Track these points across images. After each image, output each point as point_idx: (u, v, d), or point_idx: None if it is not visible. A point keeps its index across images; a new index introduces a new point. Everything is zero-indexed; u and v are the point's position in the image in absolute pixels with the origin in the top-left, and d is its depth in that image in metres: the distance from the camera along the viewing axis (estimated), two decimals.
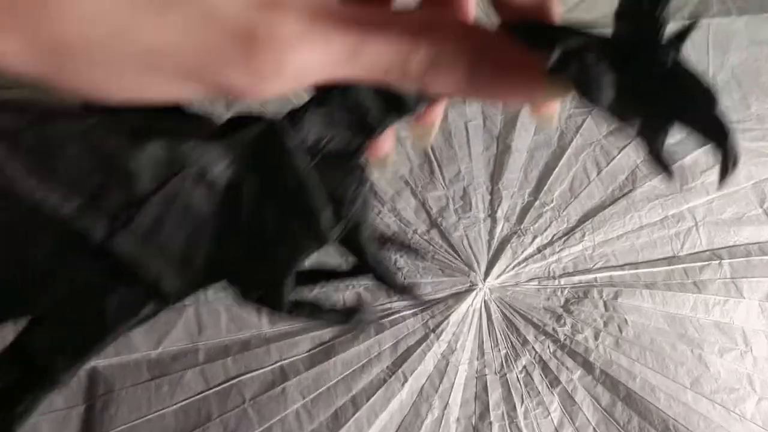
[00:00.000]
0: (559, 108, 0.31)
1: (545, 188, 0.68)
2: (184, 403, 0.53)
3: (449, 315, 0.59)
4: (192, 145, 0.33)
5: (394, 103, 0.34)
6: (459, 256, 0.63)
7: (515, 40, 0.20)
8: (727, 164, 0.19)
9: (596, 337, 0.59)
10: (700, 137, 0.20)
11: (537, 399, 0.56)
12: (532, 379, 0.57)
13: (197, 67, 0.17)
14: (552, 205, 0.68)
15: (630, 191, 0.69)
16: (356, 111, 0.35)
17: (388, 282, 0.48)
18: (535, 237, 0.66)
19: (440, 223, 0.65)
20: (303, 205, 0.35)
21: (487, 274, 0.63)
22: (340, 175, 0.41)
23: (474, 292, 0.61)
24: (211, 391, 0.54)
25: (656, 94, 0.19)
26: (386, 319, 0.58)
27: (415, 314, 0.59)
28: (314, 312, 0.49)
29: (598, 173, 0.70)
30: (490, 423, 0.54)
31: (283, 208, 0.36)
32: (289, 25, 0.16)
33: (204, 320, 0.57)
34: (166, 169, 0.33)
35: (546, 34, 0.20)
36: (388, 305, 0.60)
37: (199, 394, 0.53)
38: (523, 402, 0.56)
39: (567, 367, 0.58)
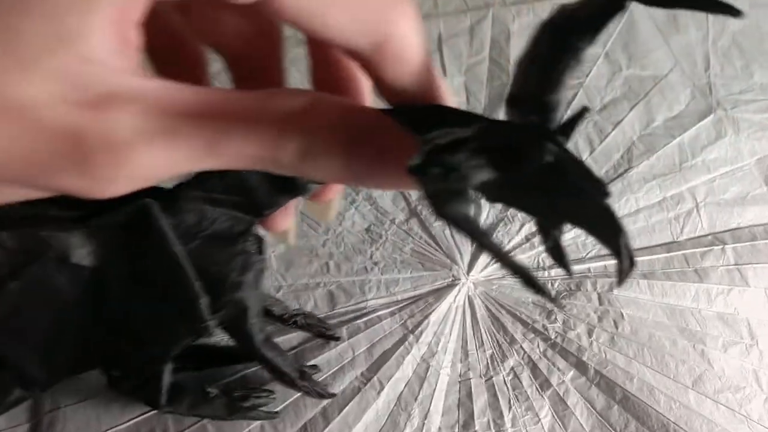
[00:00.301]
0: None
1: None
2: (137, 419, 0.48)
3: (429, 314, 0.54)
4: (50, 231, 0.32)
5: (283, 184, 0.32)
6: (440, 247, 0.58)
7: (397, 126, 0.18)
8: (623, 265, 0.17)
9: (590, 334, 0.54)
10: (592, 236, 0.17)
11: (526, 404, 0.51)
12: (521, 382, 0.52)
13: (29, 174, 0.15)
14: None
15: (626, 171, 0.63)
16: (241, 193, 0.33)
17: (279, 373, 0.42)
18: (522, 224, 0.60)
19: (420, 212, 0.60)
20: (177, 292, 0.34)
21: (470, 266, 0.57)
22: (223, 259, 0.35)
23: (456, 288, 0.56)
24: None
25: (542, 190, 0.17)
26: (360, 320, 0.53)
27: (392, 314, 0.54)
28: (196, 404, 0.43)
29: (591, 152, 0.65)
30: None
31: (154, 295, 0.35)
32: (123, 123, 0.15)
33: None
34: (22, 256, 0.32)
35: (428, 120, 0.18)
36: (363, 304, 0.55)
37: (153, 409, 0.48)
38: (510, 408, 0.51)
39: (558, 368, 0.53)
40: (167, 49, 0.20)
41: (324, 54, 0.22)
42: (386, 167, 0.18)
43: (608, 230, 0.17)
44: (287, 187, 0.32)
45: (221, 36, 0.22)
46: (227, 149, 0.16)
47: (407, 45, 0.18)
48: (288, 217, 0.35)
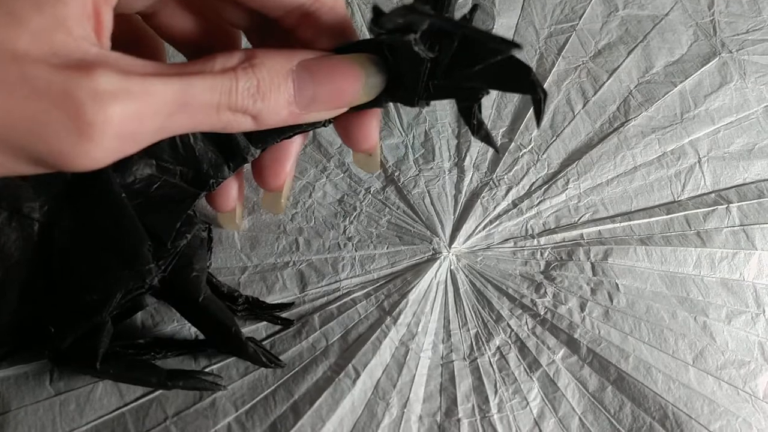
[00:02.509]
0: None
1: (521, 127, 0.56)
2: (95, 422, 0.43)
3: (408, 292, 0.49)
4: (2, 185, 0.32)
5: (227, 151, 0.33)
6: (419, 218, 0.52)
7: (333, 54, 0.23)
8: (538, 97, 0.21)
9: (582, 309, 0.49)
10: (506, 89, 0.23)
11: (513, 387, 0.46)
12: (508, 364, 0.47)
13: (18, 138, 0.16)
14: (530, 147, 0.55)
15: (622, 125, 0.56)
16: (186, 163, 0.34)
17: (222, 329, 0.39)
18: (509, 188, 0.54)
19: (398, 178, 0.53)
20: (119, 239, 0.34)
21: (452, 238, 0.51)
22: (165, 215, 0.35)
23: (437, 262, 0.50)
24: (127, 407, 0.43)
25: (459, 65, 0.22)
26: (333, 306, 0.48)
27: (368, 295, 0.48)
28: (130, 368, 0.40)
29: (585, 104, 0.58)
30: (459, 420, 0.45)
31: (97, 243, 0.34)
32: (105, 80, 0.16)
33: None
34: None
35: (358, 46, 0.23)
36: (336, 285, 0.49)
37: (113, 411, 0.43)
38: (497, 392, 0.46)
39: (548, 347, 0.47)
40: (128, 39, 0.22)
41: (127, 23, 0.25)
42: (327, 86, 0.22)
43: (519, 75, 0.21)
44: (230, 155, 0.33)
45: (179, 33, 0.26)
46: (193, 99, 0.18)
47: None
48: (233, 196, 0.37)
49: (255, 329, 0.46)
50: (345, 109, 0.24)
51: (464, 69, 0.23)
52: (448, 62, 0.23)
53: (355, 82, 0.23)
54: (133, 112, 0.17)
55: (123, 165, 0.34)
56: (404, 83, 0.24)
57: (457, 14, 0.23)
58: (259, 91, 0.20)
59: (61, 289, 0.36)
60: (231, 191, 0.37)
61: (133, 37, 0.27)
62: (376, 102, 0.25)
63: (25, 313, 0.37)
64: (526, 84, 0.22)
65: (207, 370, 0.45)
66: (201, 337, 0.45)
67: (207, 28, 0.27)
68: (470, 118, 0.27)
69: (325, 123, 0.29)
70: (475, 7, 0.24)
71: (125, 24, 0.21)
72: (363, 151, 0.30)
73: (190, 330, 0.46)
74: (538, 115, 0.22)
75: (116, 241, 0.34)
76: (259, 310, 0.46)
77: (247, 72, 0.20)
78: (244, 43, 0.29)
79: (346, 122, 0.28)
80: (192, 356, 0.45)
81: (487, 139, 0.28)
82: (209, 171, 0.34)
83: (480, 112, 0.27)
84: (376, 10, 0.21)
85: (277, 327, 0.46)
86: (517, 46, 0.21)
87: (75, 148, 0.16)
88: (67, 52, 0.16)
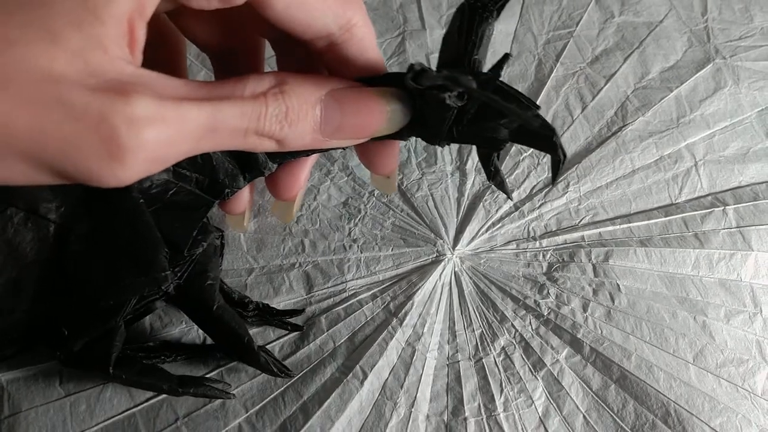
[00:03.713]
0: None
1: None
2: (106, 423, 0.44)
3: (413, 294, 0.49)
4: (19, 186, 0.30)
5: (244, 164, 0.33)
6: (423, 220, 0.53)
7: (360, 85, 0.24)
8: (558, 158, 0.23)
9: (585, 309, 0.50)
10: (530, 145, 0.24)
11: (518, 386, 0.47)
12: (513, 363, 0.48)
13: (48, 156, 0.16)
14: (530, 151, 0.57)
15: (620, 129, 0.58)
16: (204, 171, 0.34)
17: (235, 338, 0.40)
18: (511, 191, 0.55)
19: (401, 182, 0.54)
20: (136, 245, 0.34)
21: (456, 240, 0.52)
22: (182, 223, 0.35)
23: (442, 264, 0.51)
24: (138, 408, 0.44)
25: (487, 117, 0.24)
26: (340, 307, 0.48)
27: (374, 297, 0.49)
28: (142, 373, 0.40)
29: (583, 109, 0.59)
30: (465, 419, 0.46)
31: (113, 249, 0.34)
32: (141, 106, 0.17)
33: None
34: None
35: (386, 79, 0.25)
36: (342, 286, 0.50)
37: (123, 412, 0.44)
38: (502, 391, 0.47)
39: (552, 347, 0.48)
40: (153, 37, 0.21)
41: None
42: (353, 117, 0.22)
43: (543, 134, 0.22)
44: (248, 168, 0.34)
45: (203, 35, 0.26)
46: (223, 124, 0.19)
47: (364, 25, 0.24)
48: (245, 200, 0.37)
49: (263, 330, 0.47)
50: (366, 140, 0.25)
51: (490, 121, 0.24)
52: (475, 112, 0.24)
53: (380, 117, 0.23)
54: (165, 138, 0.17)
55: None
56: (428, 123, 0.25)
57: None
58: (287, 118, 0.20)
59: (75, 292, 0.36)
60: (243, 195, 0.37)
61: (158, 36, 0.26)
62: (399, 135, 0.26)
63: (38, 313, 0.37)
64: (549, 145, 0.23)
65: (216, 372, 0.45)
66: (209, 341, 0.46)
67: (232, 32, 0.27)
68: (488, 165, 0.28)
69: (344, 147, 0.30)
70: (505, 57, 0.25)
71: (151, 23, 0.21)
72: (381, 174, 0.31)
73: (198, 332, 0.46)
74: (555, 175, 0.24)
75: (133, 248, 0.34)
76: (269, 316, 0.46)
77: (277, 98, 0.20)
78: (268, 49, 0.30)
79: (366, 148, 0.29)
80: (201, 360, 0.45)
81: (501, 186, 0.30)
82: (225, 180, 0.34)
83: (498, 159, 0.28)
84: (417, 70, 0.22)
85: (283, 331, 0.47)
86: (538, 107, 0.22)
87: (104, 170, 0.17)
88: (103, 72, 0.17)
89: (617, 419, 0.46)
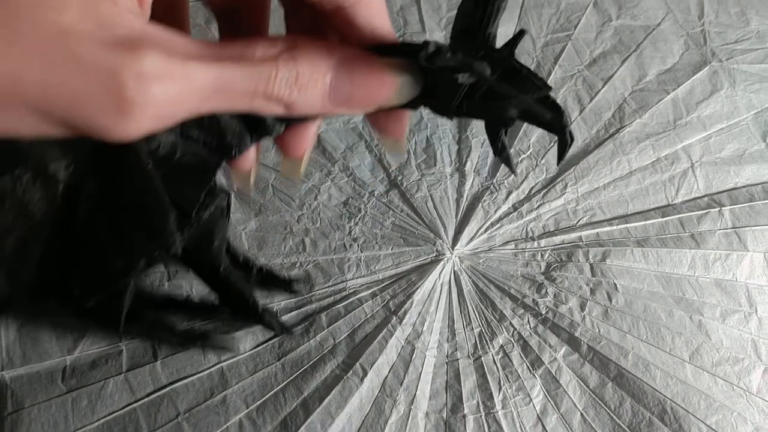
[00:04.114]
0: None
1: (520, 133, 0.58)
2: (107, 418, 0.44)
3: (413, 292, 0.50)
4: (29, 143, 0.31)
5: (253, 125, 0.32)
6: (423, 220, 0.54)
7: (371, 54, 0.23)
8: (565, 140, 0.24)
9: (582, 308, 0.50)
10: (538, 124, 0.24)
11: (517, 384, 0.48)
12: (511, 361, 0.49)
13: (58, 109, 0.16)
14: (529, 152, 0.57)
15: (617, 131, 0.59)
16: (212, 131, 0.34)
17: (241, 300, 0.40)
18: (509, 192, 0.56)
19: (400, 182, 0.55)
20: (145, 208, 0.35)
21: (455, 240, 0.53)
22: (190, 186, 0.36)
23: (441, 263, 0.52)
24: (139, 403, 0.45)
25: (500, 91, 0.23)
26: (340, 305, 0.49)
27: (373, 295, 0.50)
28: (154, 329, 0.41)
29: (581, 111, 0.60)
30: (464, 416, 0.46)
31: (123, 211, 0.35)
32: (149, 62, 0.17)
33: None
34: (0, 162, 0.32)
35: (398, 49, 0.24)
36: (342, 284, 0.51)
37: (124, 407, 0.44)
38: (500, 388, 0.47)
39: (550, 345, 0.49)
40: None
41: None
42: (362, 85, 0.22)
43: (552, 115, 0.23)
44: (255, 129, 0.33)
45: None
46: (231, 84, 0.19)
47: None
48: (251, 159, 0.36)
49: (261, 328, 0.48)
50: (375, 109, 0.26)
51: (500, 99, 0.24)
52: (486, 89, 0.24)
53: (389, 89, 0.23)
54: (172, 95, 0.17)
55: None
56: (438, 96, 0.25)
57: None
58: (297, 83, 0.20)
59: (85, 253, 0.37)
60: (250, 154, 0.37)
61: None
62: (408, 105, 0.26)
63: (48, 272, 0.38)
64: (558, 125, 0.23)
65: (216, 367, 0.46)
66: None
67: None
68: (496, 140, 0.29)
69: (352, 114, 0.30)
70: (521, 33, 0.25)
71: None
72: (390, 138, 0.31)
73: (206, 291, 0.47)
74: (561, 155, 0.24)
75: (142, 212, 0.34)
76: (271, 281, 0.47)
77: (288, 63, 0.20)
78: (274, 4, 0.30)
79: (375, 113, 0.30)
80: (201, 352, 0.46)
81: (507, 161, 0.30)
82: (232, 141, 0.33)
83: (506, 135, 0.28)
84: (432, 51, 0.22)
85: (286, 325, 0.48)
86: (550, 88, 0.23)
87: (112, 123, 0.17)
88: (113, 25, 0.16)
89: (614, 417, 0.47)
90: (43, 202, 0.34)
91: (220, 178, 0.38)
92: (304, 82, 0.21)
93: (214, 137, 0.33)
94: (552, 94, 0.23)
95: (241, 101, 0.20)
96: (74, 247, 0.36)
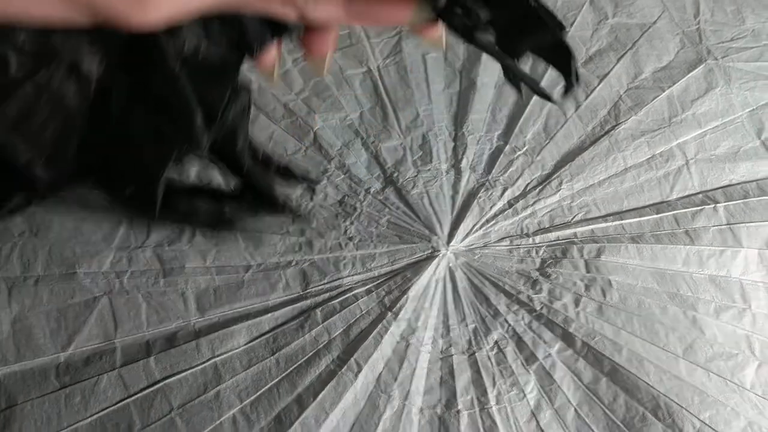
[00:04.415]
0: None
1: (516, 130, 0.58)
2: (100, 414, 0.45)
3: (408, 289, 0.50)
4: (63, 38, 0.33)
5: (273, 25, 0.33)
6: (418, 217, 0.54)
7: None
8: (571, 81, 0.24)
9: (577, 304, 0.51)
10: (549, 62, 0.24)
11: (511, 379, 0.48)
12: (505, 357, 0.49)
13: None
14: (524, 149, 0.58)
15: (612, 128, 0.59)
16: (235, 28, 0.34)
17: (266, 197, 0.42)
18: (505, 188, 0.56)
19: (396, 179, 0.55)
20: (174, 106, 0.36)
21: (451, 236, 0.53)
22: (214, 83, 0.37)
23: (436, 259, 0.52)
24: (132, 398, 0.45)
25: (516, 27, 0.24)
26: (335, 301, 0.49)
27: (369, 291, 0.50)
28: (188, 214, 0.44)
29: (577, 108, 0.60)
30: (458, 412, 0.47)
31: (153, 108, 0.36)
32: None
33: (120, 313, 0.48)
34: (34, 59, 0.33)
35: None
36: (338, 282, 0.51)
37: (117, 403, 0.44)
38: (495, 384, 0.48)
39: (544, 341, 0.49)
40: None
41: None
42: (378, 3, 0.22)
43: (563, 56, 0.24)
44: (276, 28, 0.34)
45: None
46: None
47: None
48: (274, 54, 0.37)
49: (259, 322, 0.48)
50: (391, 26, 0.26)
51: (518, 35, 0.25)
52: (503, 24, 0.25)
53: (404, 13, 0.23)
54: None
55: (175, 30, 0.37)
56: (455, 28, 0.26)
57: None
58: None
59: (119, 146, 0.39)
60: (271, 51, 0.39)
61: None
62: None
63: (86, 162, 0.40)
64: (567, 67, 0.24)
65: (211, 361, 0.46)
66: None
67: None
68: (508, 73, 0.30)
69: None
70: None
71: None
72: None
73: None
74: (568, 89, 0.25)
75: (171, 111, 0.36)
76: (288, 175, 0.48)
77: None
78: None
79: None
80: (196, 347, 0.46)
81: (517, 87, 0.31)
82: (253, 39, 0.34)
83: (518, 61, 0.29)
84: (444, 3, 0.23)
85: (281, 320, 0.48)
86: (563, 28, 0.24)
87: (130, 9, 0.18)
88: None
89: (608, 412, 0.47)
90: (78, 97, 0.35)
91: (242, 76, 0.40)
92: None
93: (235, 35, 0.35)
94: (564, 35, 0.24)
95: (257, 1, 0.21)
96: (109, 139, 0.37)
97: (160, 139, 0.36)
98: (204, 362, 0.46)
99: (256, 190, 0.44)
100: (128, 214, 0.46)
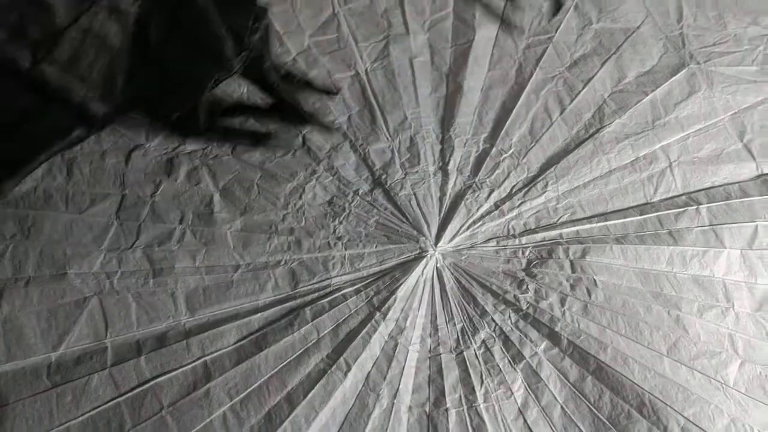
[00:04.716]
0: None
1: (502, 133, 0.59)
2: (91, 413, 0.45)
3: (396, 289, 0.51)
4: None
5: None
6: (406, 218, 0.55)
7: None
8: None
9: (562, 304, 0.52)
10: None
11: (498, 378, 0.49)
12: (493, 356, 0.50)
13: None
14: (510, 152, 0.58)
15: (597, 131, 0.60)
16: None
17: (295, 110, 0.50)
18: (492, 190, 0.57)
19: (385, 181, 0.56)
20: (206, 36, 0.42)
21: (438, 237, 0.54)
22: (238, 11, 0.44)
23: (424, 260, 0.53)
24: (123, 397, 0.45)
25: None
26: (324, 300, 0.50)
27: (357, 291, 0.51)
28: (229, 132, 0.50)
29: (561, 112, 0.61)
30: (446, 410, 0.47)
31: (188, 40, 0.42)
32: None
33: (111, 313, 0.48)
34: (77, 6, 0.38)
35: None
36: (327, 282, 0.51)
37: (108, 402, 0.45)
38: (482, 382, 0.48)
39: (531, 340, 0.50)
40: None
41: None
42: None
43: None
44: None
45: None
46: None
47: None
48: None
49: (248, 321, 0.48)
50: None
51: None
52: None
53: None
54: None
55: None
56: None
57: None
58: None
59: (160, 79, 0.43)
60: None
61: None
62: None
63: (135, 94, 0.44)
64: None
65: (201, 360, 0.47)
66: None
67: None
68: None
69: None
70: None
71: None
72: None
73: None
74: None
75: (203, 41, 0.42)
76: (309, 87, 0.54)
77: None
78: None
79: None
80: (186, 346, 0.47)
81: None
82: None
83: None
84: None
85: (270, 319, 0.49)
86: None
87: None
88: None
89: (594, 409, 0.48)
90: (119, 35, 0.40)
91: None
92: None
93: None
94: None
95: None
96: (151, 72, 0.43)
97: (196, 67, 0.42)
98: (194, 361, 0.47)
99: (286, 105, 0.50)
100: (178, 137, 0.51)
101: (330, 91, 0.53)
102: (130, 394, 0.45)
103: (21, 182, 0.47)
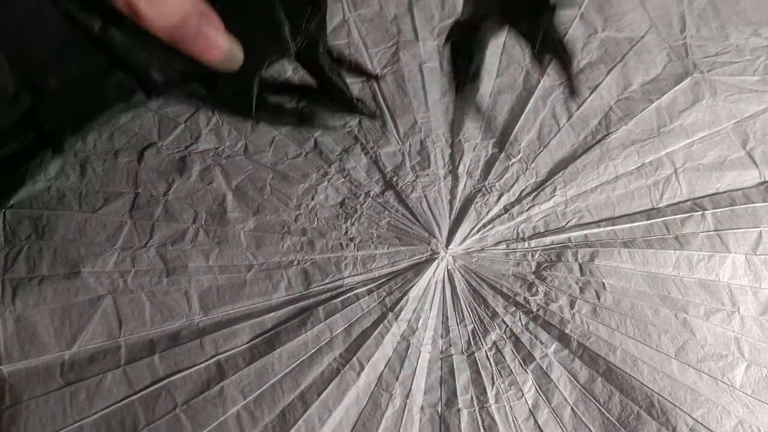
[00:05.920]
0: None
1: (511, 138, 0.60)
2: (105, 411, 0.45)
3: (408, 290, 0.51)
4: None
5: None
6: (418, 220, 0.55)
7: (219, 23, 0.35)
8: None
9: (572, 306, 0.52)
10: None
11: (509, 379, 0.49)
12: (503, 357, 0.50)
13: None
14: (519, 156, 0.59)
15: (604, 137, 0.61)
16: None
17: (343, 96, 0.52)
18: (501, 194, 0.57)
19: (396, 183, 0.56)
20: (266, 20, 0.44)
21: (449, 239, 0.55)
22: (298, 1, 0.45)
23: (436, 262, 0.53)
24: (137, 395, 0.45)
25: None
26: (337, 300, 0.50)
27: (370, 292, 0.51)
28: (277, 112, 0.53)
29: (569, 118, 0.62)
30: (458, 410, 0.47)
31: (248, 22, 0.44)
32: None
33: (124, 311, 0.48)
34: None
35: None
36: (339, 282, 0.52)
37: (122, 400, 0.45)
38: (494, 383, 0.49)
39: (541, 341, 0.51)
40: None
41: None
42: (199, 47, 0.36)
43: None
44: None
45: None
46: None
47: None
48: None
49: (261, 321, 0.49)
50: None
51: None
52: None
53: (217, 52, 0.34)
54: None
55: None
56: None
57: None
58: (153, 3, 0.30)
59: None
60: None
61: None
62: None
63: (191, 68, 0.44)
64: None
65: (214, 359, 0.47)
66: None
67: None
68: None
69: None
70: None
71: None
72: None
73: None
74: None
75: (262, 23, 0.43)
76: (358, 69, 0.57)
77: None
78: None
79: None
80: (200, 345, 0.47)
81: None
82: None
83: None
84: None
85: (283, 318, 0.49)
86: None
87: None
88: None
89: (603, 411, 0.48)
90: None
91: None
92: (160, 4, 0.29)
93: None
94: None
95: None
96: None
97: (254, 48, 0.43)
98: (207, 360, 0.47)
99: (336, 89, 0.52)
100: (226, 112, 0.53)
101: (371, 75, 0.57)
102: (143, 393, 0.45)
103: (82, 139, 0.51)
